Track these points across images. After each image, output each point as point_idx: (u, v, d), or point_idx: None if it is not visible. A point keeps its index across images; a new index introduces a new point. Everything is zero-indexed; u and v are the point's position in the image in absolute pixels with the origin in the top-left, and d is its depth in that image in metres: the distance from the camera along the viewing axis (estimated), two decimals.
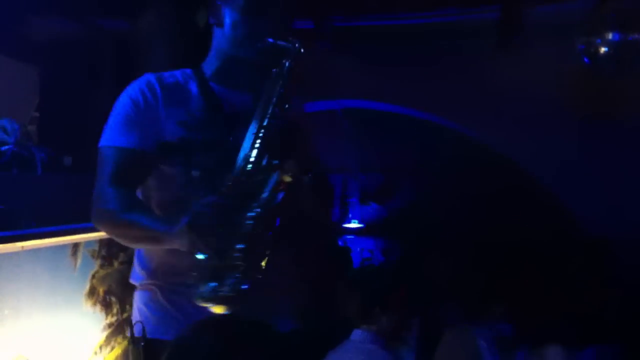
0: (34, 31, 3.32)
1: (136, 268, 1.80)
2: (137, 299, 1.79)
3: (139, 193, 1.75)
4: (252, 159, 1.59)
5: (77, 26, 3.54)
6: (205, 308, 1.51)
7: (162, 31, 3.20)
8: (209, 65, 1.81)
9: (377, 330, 2.47)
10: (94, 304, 2.64)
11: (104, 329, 2.69)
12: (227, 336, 1.49)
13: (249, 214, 1.49)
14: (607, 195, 3.99)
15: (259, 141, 1.60)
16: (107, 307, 2.69)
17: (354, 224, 6.37)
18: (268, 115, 1.62)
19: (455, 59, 4.12)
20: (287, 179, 1.54)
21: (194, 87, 1.77)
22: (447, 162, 5.31)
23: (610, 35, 3.13)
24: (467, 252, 3.46)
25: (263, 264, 1.53)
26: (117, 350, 2.70)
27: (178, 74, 1.80)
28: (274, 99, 1.63)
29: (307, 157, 1.72)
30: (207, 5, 1.78)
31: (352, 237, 6.27)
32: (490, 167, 4.56)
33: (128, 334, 1.72)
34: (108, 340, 2.68)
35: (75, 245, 2.54)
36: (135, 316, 1.76)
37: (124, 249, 2.63)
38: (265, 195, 1.51)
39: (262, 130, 1.60)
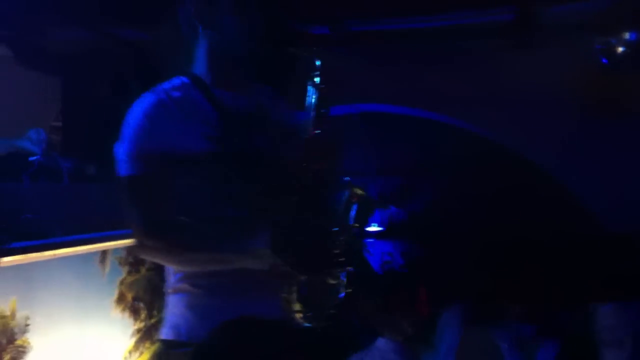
0: (55, 41, 3.37)
1: (171, 271, 1.73)
2: (174, 302, 1.71)
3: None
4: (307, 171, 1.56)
5: (97, 35, 3.57)
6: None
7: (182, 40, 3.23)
8: (202, 70, 1.76)
9: (400, 338, 2.46)
10: (123, 310, 2.68)
11: (133, 334, 2.73)
12: (252, 337, 1.52)
13: (334, 229, 1.49)
14: (626, 193, 3.97)
15: (310, 151, 1.58)
16: (135, 313, 2.73)
17: (373, 227, 6.36)
18: (312, 124, 1.61)
19: (472, 60, 4.11)
20: (359, 191, 1.55)
21: (198, 96, 1.71)
22: (465, 163, 5.30)
23: (627, 35, 3.12)
24: (485, 252, 3.45)
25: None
26: (146, 356, 2.73)
27: (178, 85, 1.74)
28: (314, 107, 1.62)
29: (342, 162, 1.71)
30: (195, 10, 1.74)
31: (372, 240, 6.25)
32: (508, 167, 4.55)
33: (161, 336, 1.69)
34: (137, 345, 2.72)
35: (104, 253, 2.59)
36: (171, 320, 1.68)
37: None
38: (340, 209, 1.52)
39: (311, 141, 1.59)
